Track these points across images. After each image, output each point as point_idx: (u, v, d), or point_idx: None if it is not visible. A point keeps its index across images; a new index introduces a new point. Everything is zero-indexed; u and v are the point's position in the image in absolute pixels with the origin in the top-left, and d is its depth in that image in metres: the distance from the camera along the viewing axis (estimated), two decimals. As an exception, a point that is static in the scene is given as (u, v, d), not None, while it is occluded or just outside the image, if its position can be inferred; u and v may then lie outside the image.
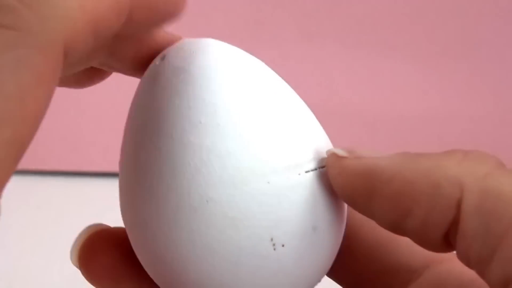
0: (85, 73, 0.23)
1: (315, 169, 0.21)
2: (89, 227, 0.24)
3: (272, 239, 0.20)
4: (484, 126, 0.61)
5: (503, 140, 0.61)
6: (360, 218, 0.23)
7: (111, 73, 0.23)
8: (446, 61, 0.60)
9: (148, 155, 0.21)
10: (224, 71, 0.21)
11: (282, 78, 0.22)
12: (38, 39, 0.14)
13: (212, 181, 0.20)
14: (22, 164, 0.15)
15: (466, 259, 0.19)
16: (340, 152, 0.21)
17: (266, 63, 0.22)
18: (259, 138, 0.20)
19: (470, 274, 0.20)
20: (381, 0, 0.60)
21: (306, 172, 0.21)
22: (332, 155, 0.21)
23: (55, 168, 0.61)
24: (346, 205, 0.22)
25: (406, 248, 0.23)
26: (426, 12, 0.60)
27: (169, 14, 0.19)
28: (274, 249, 0.20)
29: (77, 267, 0.23)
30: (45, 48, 0.14)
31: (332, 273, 0.24)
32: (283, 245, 0.20)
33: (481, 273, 0.18)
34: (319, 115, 0.23)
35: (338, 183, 0.20)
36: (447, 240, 0.19)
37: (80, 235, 0.24)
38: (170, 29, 0.21)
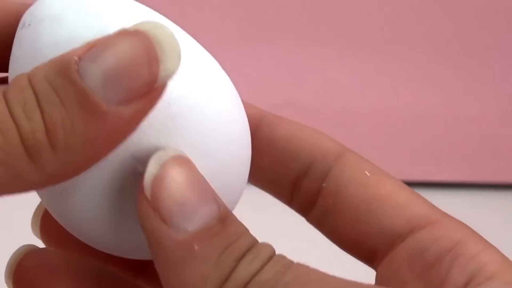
0: None
1: None
2: (19, 249, 0.23)
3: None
4: (484, 126, 0.61)
5: (503, 140, 0.61)
6: (347, 177, 0.23)
7: None
8: (446, 62, 0.60)
9: None
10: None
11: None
12: None
13: None
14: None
15: None
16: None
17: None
18: None
19: (451, 240, 0.21)
20: (380, 0, 0.59)
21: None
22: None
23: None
24: None
25: (390, 211, 0.23)
26: (426, 12, 0.60)
27: None
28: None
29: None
30: None
31: (325, 231, 0.24)
32: None
33: None
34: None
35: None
36: None
37: (12, 260, 0.23)
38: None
